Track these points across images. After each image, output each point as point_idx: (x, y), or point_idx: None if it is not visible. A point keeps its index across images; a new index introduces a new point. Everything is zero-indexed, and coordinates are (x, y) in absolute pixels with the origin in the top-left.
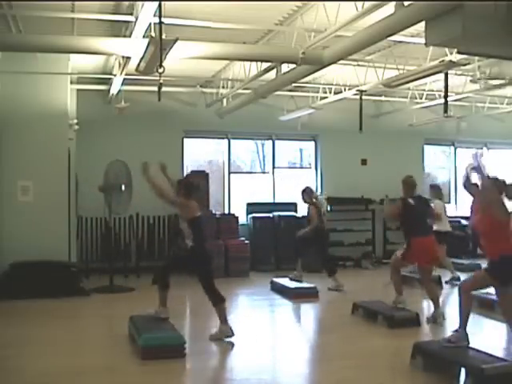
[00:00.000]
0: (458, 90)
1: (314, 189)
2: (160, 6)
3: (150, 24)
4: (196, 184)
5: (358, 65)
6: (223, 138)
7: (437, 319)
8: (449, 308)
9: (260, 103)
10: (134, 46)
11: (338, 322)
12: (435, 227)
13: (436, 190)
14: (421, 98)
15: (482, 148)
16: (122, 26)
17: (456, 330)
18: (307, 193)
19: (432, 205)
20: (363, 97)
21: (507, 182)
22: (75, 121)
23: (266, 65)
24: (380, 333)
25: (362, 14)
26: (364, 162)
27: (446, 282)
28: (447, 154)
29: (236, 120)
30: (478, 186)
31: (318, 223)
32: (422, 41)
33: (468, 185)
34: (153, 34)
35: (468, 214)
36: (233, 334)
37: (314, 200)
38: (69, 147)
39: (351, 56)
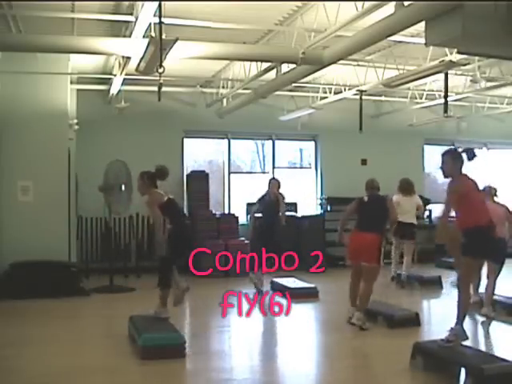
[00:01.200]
0: (457, 90)
1: (314, 189)
2: (160, 5)
3: (150, 24)
4: (159, 171)
5: (358, 65)
6: (223, 138)
7: (356, 320)
8: (440, 309)
9: (260, 103)
10: (134, 46)
11: (338, 321)
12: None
13: (401, 183)
14: (421, 98)
15: (481, 148)
16: (122, 25)
17: (452, 329)
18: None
19: (394, 197)
20: (363, 97)
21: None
22: (75, 121)
23: (266, 65)
24: (380, 333)
25: (362, 14)
26: (364, 162)
27: (392, 279)
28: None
29: (236, 120)
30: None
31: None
32: (422, 41)
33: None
34: (153, 34)
35: None
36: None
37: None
38: (69, 147)
39: (351, 56)
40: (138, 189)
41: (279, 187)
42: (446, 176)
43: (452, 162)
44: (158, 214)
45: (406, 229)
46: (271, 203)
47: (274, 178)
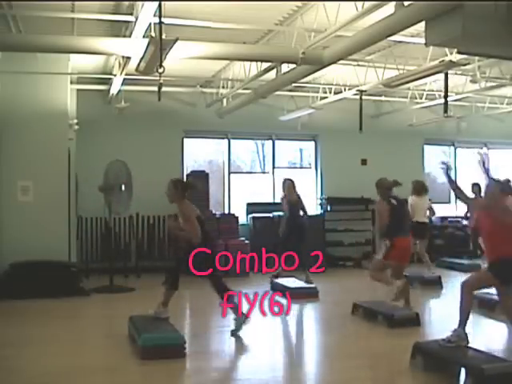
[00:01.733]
0: (457, 90)
1: (314, 189)
2: (160, 5)
3: (150, 24)
4: (192, 184)
5: (358, 65)
6: (223, 138)
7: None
8: (440, 309)
9: (260, 103)
10: (134, 46)
11: (338, 322)
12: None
13: (416, 185)
14: (421, 98)
15: (481, 148)
16: (122, 25)
17: (455, 330)
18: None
19: (409, 199)
20: (363, 97)
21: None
22: (75, 121)
23: (266, 65)
24: (380, 333)
25: (362, 14)
26: (364, 162)
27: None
28: (447, 154)
29: (236, 120)
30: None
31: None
32: (422, 41)
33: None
34: (153, 34)
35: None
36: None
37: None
38: (69, 147)
39: (351, 56)
40: (168, 195)
41: (294, 187)
42: None
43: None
44: (196, 224)
45: (420, 228)
46: (291, 204)
47: (288, 178)
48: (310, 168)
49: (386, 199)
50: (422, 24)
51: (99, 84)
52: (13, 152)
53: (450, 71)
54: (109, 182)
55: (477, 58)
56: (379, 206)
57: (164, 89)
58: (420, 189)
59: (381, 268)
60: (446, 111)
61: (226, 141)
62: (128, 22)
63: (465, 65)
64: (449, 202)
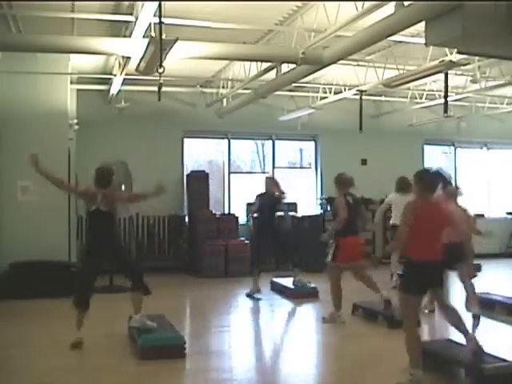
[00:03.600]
0: (457, 90)
1: (314, 189)
2: (160, 5)
3: (150, 24)
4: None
5: (358, 65)
6: (223, 138)
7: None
8: None
9: (260, 103)
10: (134, 46)
11: (338, 322)
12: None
13: (399, 182)
14: (421, 98)
15: (481, 148)
16: (122, 25)
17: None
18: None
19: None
20: (363, 97)
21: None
22: (75, 121)
23: (266, 65)
24: (380, 333)
25: (362, 14)
26: (364, 162)
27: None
28: (447, 154)
29: (236, 120)
30: None
31: None
32: (422, 41)
33: None
34: (153, 34)
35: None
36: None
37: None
38: (69, 147)
39: (351, 56)
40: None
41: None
42: None
43: None
44: None
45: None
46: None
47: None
48: (310, 168)
49: (344, 196)
50: (422, 24)
51: (99, 84)
52: (13, 152)
53: (450, 71)
54: None
55: (477, 58)
56: (339, 202)
57: (164, 89)
58: (404, 186)
59: (338, 274)
60: (445, 111)
61: (225, 141)
62: (128, 21)
63: (465, 65)
64: None
